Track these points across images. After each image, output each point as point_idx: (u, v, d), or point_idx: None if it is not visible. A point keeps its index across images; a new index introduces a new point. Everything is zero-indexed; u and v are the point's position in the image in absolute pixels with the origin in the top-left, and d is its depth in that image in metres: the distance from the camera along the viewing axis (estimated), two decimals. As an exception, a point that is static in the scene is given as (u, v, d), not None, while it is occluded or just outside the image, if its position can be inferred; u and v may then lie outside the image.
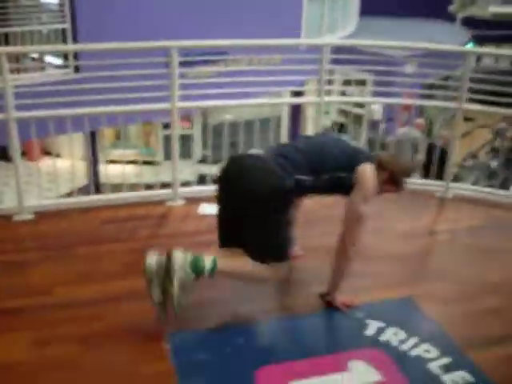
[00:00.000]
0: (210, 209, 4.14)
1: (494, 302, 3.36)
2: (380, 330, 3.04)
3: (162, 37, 4.39)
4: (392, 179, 3.22)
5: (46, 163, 4.57)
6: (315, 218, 4.14)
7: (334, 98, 5.42)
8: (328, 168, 3.05)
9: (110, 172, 4.88)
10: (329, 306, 3.20)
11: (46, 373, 2.66)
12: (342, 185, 3.08)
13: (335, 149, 3.16)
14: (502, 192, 5.00)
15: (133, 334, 2.92)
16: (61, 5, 8.07)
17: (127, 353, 2.80)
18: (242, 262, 2.98)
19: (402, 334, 3.02)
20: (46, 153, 4.84)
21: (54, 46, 7.96)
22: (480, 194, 4.87)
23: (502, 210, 4.69)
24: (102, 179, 9.57)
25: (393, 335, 3.02)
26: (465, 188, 5.01)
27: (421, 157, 7.57)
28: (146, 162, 4.90)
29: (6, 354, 2.75)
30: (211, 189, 4.20)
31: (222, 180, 3.08)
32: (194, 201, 4.46)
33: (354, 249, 3.09)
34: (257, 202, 2.90)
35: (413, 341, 2.98)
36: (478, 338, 3.07)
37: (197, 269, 2.84)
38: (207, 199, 4.26)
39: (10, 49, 6.73)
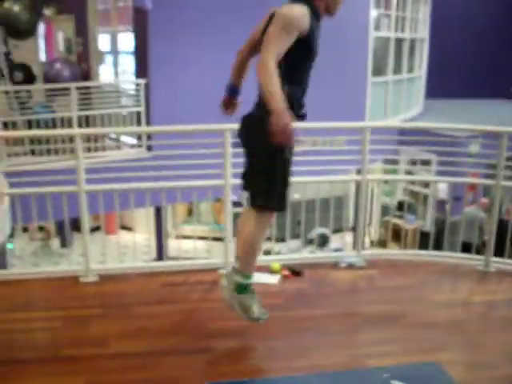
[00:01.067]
0: (264, 278, 4.53)
1: (520, 371, 3.49)
2: (403, 391, 3.25)
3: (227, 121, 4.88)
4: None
5: (122, 237, 5.05)
6: (357, 288, 4.43)
7: (376, 176, 5.71)
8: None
9: (179, 246, 5.28)
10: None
11: (97, 413, 3.03)
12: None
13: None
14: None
15: (173, 383, 3.25)
16: (137, 90, 8.85)
17: (167, 399, 3.14)
18: (241, 240, 3.47)
19: (424, 395, 3.22)
20: (123, 227, 5.31)
21: (127, 127, 8.69)
22: (523, 269, 4.99)
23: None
24: (172, 253, 10.16)
25: (415, 395, 3.22)
26: (507, 262, 5.10)
27: (486, 237, 7.64)
28: (215, 239, 5.28)
29: (63, 394, 3.15)
30: (267, 259, 4.62)
31: (239, 137, 3.55)
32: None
33: (269, 73, 2.97)
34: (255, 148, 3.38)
35: (433, 401, 3.17)
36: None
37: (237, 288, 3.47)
38: (261, 269, 4.40)
39: (85, 130, 7.46)
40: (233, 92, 3.70)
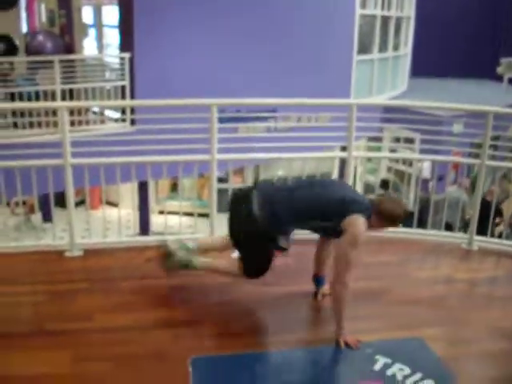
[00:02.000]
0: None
1: (502, 346, 3.55)
2: (387, 366, 3.28)
3: (213, 95, 4.86)
4: (390, 222, 3.64)
5: (106, 212, 5.02)
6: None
7: (362, 153, 5.72)
8: (314, 216, 3.50)
9: (163, 222, 5.25)
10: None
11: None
12: (327, 230, 3.55)
13: (329, 197, 3.55)
14: (527, 245, 5.18)
15: (158, 357, 3.27)
16: (121, 64, 8.75)
17: (153, 372, 3.14)
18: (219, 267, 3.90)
19: (407, 370, 3.25)
20: (108, 202, 5.32)
21: (112, 101, 8.61)
22: (504, 247, 5.04)
23: (525, 262, 4.87)
24: (155, 229, 10.14)
25: (398, 370, 3.26)
26: (490, 241, 5.17)
27: (468, 216, 7.74)
28: (199, 214, 5.25)
29: (51, 366, 3.15)
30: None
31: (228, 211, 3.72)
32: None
33: (346, 291, 3.41)
34: (241, 240, 3.63)
35: (416, 376, 3.20)
36: (481, 378, 3.29)
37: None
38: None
39: (71, 104, 7.38)
40: (318, 282, 3.98)
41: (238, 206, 3.64)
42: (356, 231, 3.42)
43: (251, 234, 3.52)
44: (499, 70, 15.18)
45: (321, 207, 3.51)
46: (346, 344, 3.43)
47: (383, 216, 3.56)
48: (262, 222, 3.46)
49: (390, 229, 4.05)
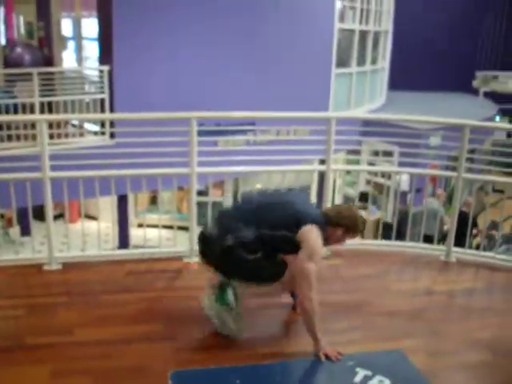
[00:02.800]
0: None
1: (481, 358, 3.57)
2: (367, 378, 3.29)
3: (192, 109, 4.87)
4: (347, 232, 3.62)
5: (84, 225, 4.99)
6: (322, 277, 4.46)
7: (340, 166, 5.77)
8: (272, 226, 3.44)
9: (142, 235, 5.22)
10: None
11: (61, 401, 3.01)
12: (287, 242, 3.46)
13: (284, 208, 3.52)
14: (504, 256, 5.25)
15: (138, 371, 3.25)
16: (101, 77, 8.73)
17: (133, 387, 3.13)
18: None
19: (387, 382, 3.26)
20: (86, 216, 5.26)
21: (91, 114, 8.59)
22: (482, 259, 5.11)
23: (503, 273, 4.93)
24: (134, 242, 10.08)
25: (378, 382, 3.27)
26: (468, 252, 5.23)
27: (446, 227, 7.81)
28: (178, 227, 5.25)
29: (27, 382, 3.11)
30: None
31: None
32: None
33: (312, 304, 3.37)
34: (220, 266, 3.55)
35: (396, 388, 3.24)
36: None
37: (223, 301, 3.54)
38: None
39: (50, 116, 7.34)
40: (295, 296, 3.91)
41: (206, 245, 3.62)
42: (311, 243, 3.41)
43: (223, 254, 3.46)
44: (475, 83, 15.42)
45: (271, 217, 3.49)
46: (327, 356, 3.42)
47: (343, 225, 3.58)
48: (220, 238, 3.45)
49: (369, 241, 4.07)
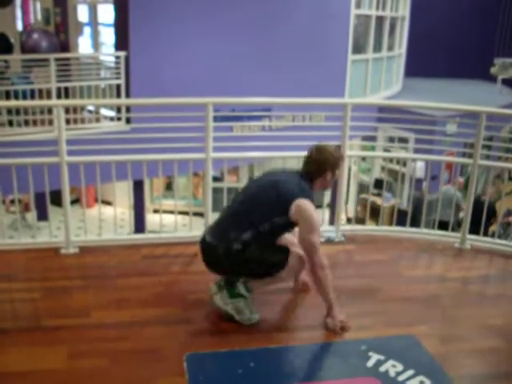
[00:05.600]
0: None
1: (493, 344, 3.59)
2: (380, 362, 3.32)
3: (208, 95, 4.88)
4: (333, 171, 3.69)
5: (99, 210, 5.04)
6: (336, 262, 4.50)
7: (356, 152, 5.76)
8: (263, 217, 3.49)
9: (157, 221, 5.27)
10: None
11: (78, 381, 3.06)
12: (285, 225, 3.53)
13: (268, 196, 3.55)
14: (518, 244, 5.24)
15: (154, 353, 3.30)
16: (117, 63, 8.77)
17: (148, 368, 3.17)
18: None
19: (400, 367, 3.29)
20: (103, 201, 5.36)
21: (107, 100, 8.64)
22: (497, 246, 5.10)
23: (517, 261, 4.92)
24: (150, 228, 10.15)
25: (391, 367, 3.29)
26: (482, 240, 5.21)
27: (462, 214, 7.78)
28: (195, 213, 5.28)
29: (45, 363, 3.17)
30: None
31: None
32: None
33: (325, 271, 3.49)
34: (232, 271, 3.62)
35: (409, 373, 3.24)
36: (473, 375, 3.34)
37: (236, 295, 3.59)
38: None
39: (67, 102, 7.40)
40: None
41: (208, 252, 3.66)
42: (307, 218, 3.46)
43: (233, 259, 3.51)
44: (493, 70, 15.24)
45: (259, 209, 3.53)
46: (342, 328, 3.56)
47: (328, 169, 3.64)
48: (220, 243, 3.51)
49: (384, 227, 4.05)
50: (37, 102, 7.83)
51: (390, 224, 5.63)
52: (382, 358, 3.36)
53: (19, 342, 3.35)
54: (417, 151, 5.80)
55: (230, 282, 3.62)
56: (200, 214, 5.01)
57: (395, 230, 5.27)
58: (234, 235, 3.47)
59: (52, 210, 4.86)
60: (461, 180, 9.72)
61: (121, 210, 5.78)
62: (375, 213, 6.19)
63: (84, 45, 11.26)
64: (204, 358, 3.31)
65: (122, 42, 8.97)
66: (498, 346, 3.57)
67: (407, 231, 5.28)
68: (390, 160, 10.28)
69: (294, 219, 3.48)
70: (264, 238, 3.49)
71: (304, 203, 3.48)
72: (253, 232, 3.46)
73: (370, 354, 3.40)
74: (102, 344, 3.36)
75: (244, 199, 3.66)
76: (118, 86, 8.74)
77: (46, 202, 4.70)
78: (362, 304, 3.97)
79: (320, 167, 3.63)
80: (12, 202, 10.47)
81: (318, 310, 3.68)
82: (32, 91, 8.24)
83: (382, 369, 3.27)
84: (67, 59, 8.73)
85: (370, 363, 3.32)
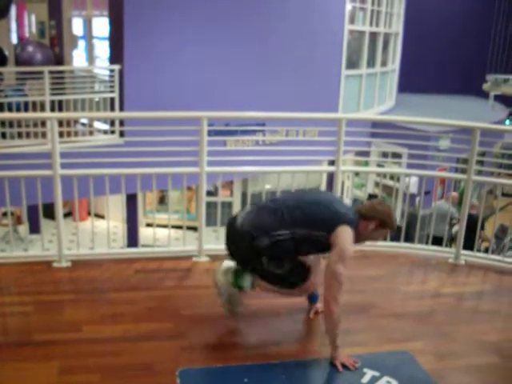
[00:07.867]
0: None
1: (488, 360, 3.57)
2: (375, 378, 3.29)
3: (202, 109, 4.87)
4: (380, 226, 3.56)
5: (92, 223, 5.01)
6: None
7: (350, 167, 5.76)
8: (308, 225, 3.43)
9: (150, 235, 5.24)
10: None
11: (69, 397, 3.03)
12: (319, 242, 3.45)
13: (325, 207, 3.51)
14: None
15: (147, 368, 3.26)
16: (111, 76, 8.77)
17: (141, 384, 3.14)
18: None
19: (395, 383, 3.26)
20: (95, 215, 5.33)
21: (101, 113, 8.62)
22: (491, 262, 5.09)
23: (511, 276, 4.90)
24: (143, 242, 10.10)
25: (386, 383, 3.27)
26: (477, 255, 5.21)
27: (457, 228, 7.77)
28: (189, 227, 5.26)
29: (36, 379, 3.12)
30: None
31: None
32: (218, 258, 4.82)
33: (338, 307, 3.34)
34: (245, 262, 3.58)
35: (404, 389, 3.24)
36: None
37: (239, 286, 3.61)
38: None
39: (61, 114, 7.38)
40: (311, 299, 4.00)
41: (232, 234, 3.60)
42: (345, 246, 3.38)
43: (247, 250, 3.48)
44: (485, 86, 15.35)
45: (309, 216, 3.47)
46: (344, 366, 3.41)
47: (376, 218, 3.53)
48: (248, 234, 3.44)
49: (379, 242, 4.05)
50: (30, 115, 7.81)
51: (385, 239, 5.61)
52: (376, 374, 3.34)
53: (11, 357, 3.29)
54: (410, 166, 5.79)
55: (238, 270, 3.62)
56: (193, 228, 4.98)
57: (389, 246, 5.25)
58: (270, 229, 3.42)
59: (44, 223, 4.83)
60: (455, 194, 9.75)
61: (114, 224, 5.74)
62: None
63: (78, 58, 11.26)
64: (197, 373, 3.27)
65: (116, 56, 8.98)
66: (493, 362, 3.55)
67: (401, 246, 5.27)
68: (384, 175, 10.32)
69: (331, 241, 3.41)
70: (296, 243, 3.44)
71: (348, 231, 3.42)
72: (288, 233, 3.42)
73: (365, 370, 3.38)
74: (93, 359, 3.31)
75: (293, 204, 3.56)
76: (112, 100, 8.74)
77: (39, 214, 4.67)
78: (357, 320, 3.94)
79: (372, 212, 3.55)
80: (4, 214, 10.42)
81: (314, 326, 3.66)
82: (26, 104, 8.22)
83: (377, 385, 3.25)
84: (61, 72, 8.73)
85: (365, 379, 3.29)
